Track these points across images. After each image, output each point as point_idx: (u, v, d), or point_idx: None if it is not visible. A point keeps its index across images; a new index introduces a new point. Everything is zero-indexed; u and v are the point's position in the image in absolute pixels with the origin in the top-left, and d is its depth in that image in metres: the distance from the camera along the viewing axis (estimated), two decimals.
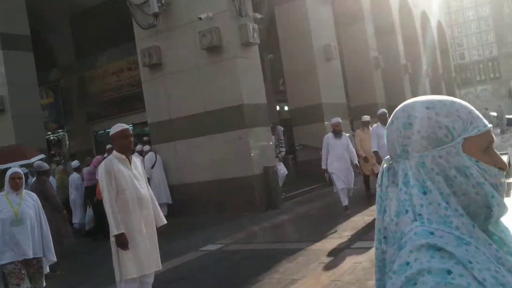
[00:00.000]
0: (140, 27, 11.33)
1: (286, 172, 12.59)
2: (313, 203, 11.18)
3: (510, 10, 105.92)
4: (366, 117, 10.95)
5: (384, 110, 9.27)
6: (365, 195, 10.66)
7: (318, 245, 6.76)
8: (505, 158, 10.13)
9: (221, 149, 10.85)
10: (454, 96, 32.92)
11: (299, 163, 14.77)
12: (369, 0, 18.66)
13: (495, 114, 31.15)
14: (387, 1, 20.88)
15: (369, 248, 6.16)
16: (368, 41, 18.04)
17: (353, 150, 9.23)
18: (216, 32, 10.41)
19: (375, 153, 8.83)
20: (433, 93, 25.52)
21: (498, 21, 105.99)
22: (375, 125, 9.20)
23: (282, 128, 13.27)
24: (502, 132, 28.91)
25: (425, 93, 24.54)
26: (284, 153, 13.29)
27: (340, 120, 9.21)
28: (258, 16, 11.01)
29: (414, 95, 21.45)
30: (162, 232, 4.57)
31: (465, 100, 1.06)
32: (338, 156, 8.79)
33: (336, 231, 7.58)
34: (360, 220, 8.24)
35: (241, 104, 10.46)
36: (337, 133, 8.94)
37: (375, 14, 19.44)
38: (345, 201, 9.00)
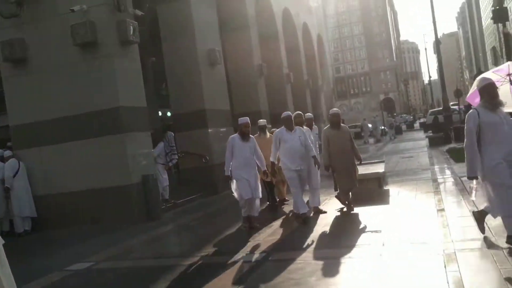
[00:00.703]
0: (0, 16, 9.97)
1: (167, 183, 11.88)
2: (196, 213, 10.63)
3: (379, 29, 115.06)
4: (262, 121, 9.90)
5: (289, 112, 8.12)
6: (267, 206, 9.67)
7: (198, 261, 6.23)
8: (381, 166, 10.45)
9: (95, 155, 9.88)
10: (333, 106, 34.62)
11: (182, 171, 14.16)
12: (254, 7, 18.68)
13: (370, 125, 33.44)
14: (271, 10, 21.15)
15: (250, 261, 5.79)
16: (252, 48, 18.01)
17: (262, 155, 7.90)
18: (90, 26, 9.47)
19: (272, 164, 7.86)
20: (313, 103, 26.44)
21: (369, 39, 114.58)
22: (277, 130, 8.10)
23: (173, 134, 12.56)
24: (377, 141, 30.87)
25: (305, 103, 25.35)
26: (176, 160, 12.48)
27: (248, 121, 7.79)
28: (139, 13, 10.27)
29: (295, 105, 21.95)
30: None
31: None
32: (244, 161, 7.59)
33: (218, 245, 7.09)
34: (246, 233, 7.86)
35: (117, 107, 9.60)
36: (245, 135, 7.64)
37: (260, 22, 19.56)
38: (252, 212, 7.80)
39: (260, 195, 7.93)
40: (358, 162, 8.44)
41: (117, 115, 9.67)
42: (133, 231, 8.84)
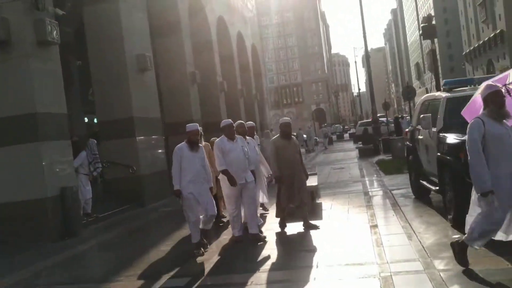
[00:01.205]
0: None
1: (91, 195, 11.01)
2: (120, 228, 9.92)
3: (312, 42, 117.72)
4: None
5: (230, 120, 7.32)
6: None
7: (118, 286, 5.63)
8: (314, 179, 10.25)
9: (7, 166, 8.95)
10: (266, 116, 34.62)
11: (107, 182, 13.27)
12: (187, 13, 18.15)
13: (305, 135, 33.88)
14: (205, 17, 20.69)
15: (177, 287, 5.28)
16: (185, 55, 17.43)
17: (209, 167, 7.13)
18: (3, 24, 8.60)
19: (224, 172, 6.87)
20: (247, 112, 26.19)
21: (302, 51, 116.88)
22: (217, 139, 7.22)
23: (95, 141, 11.78)
24: (309, 152, 31.14)
25: (239, 113, 25.06)
26: (100, 169, 11.60)
27: (198, 128, 6.96)
28: (59, 12, 9.48)
29: (229, 114, 21.57)
30: None
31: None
32: (194, 175, 6.63)
33: (143, 267, 6.49)
34: (177, 251, 7.31)
35: (33, 113, 8.76)
36: (194, 145, 6.69)
37: (193, 29, 19.04)
38: (196, 238, 6.77)
39: (215, 212, 7.10)
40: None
41: (32, 122, 8.81)
42: (46, 250, 8.02)
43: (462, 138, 6.06)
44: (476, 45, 75.11)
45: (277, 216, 7.69)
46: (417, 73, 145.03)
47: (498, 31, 63.82)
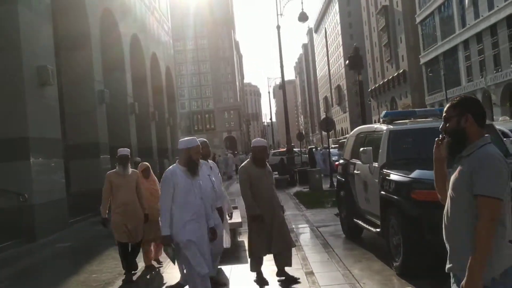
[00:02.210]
0: None
1: None
2: (6, 268, 8.22)
3: (225, 71, 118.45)
4: (125, 151, 7.02)
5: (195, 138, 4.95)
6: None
7: None
8: (237, 214, 9.26)
9: None
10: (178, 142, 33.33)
11: None
12: (98, 27, 16.70)
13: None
14: (119, 35, 19.30)
15: None
16: (93, 71, 15.91)
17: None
18: None
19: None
20: (158, 137, 24.76)
21: (215, 78, 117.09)
22: (169, 168, 4.85)
23: None
24: (229, 179, 30.12)
25: (150, 136, 23.62)
26: None
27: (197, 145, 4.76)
28: None
29: (139, 137, 20.08)
30: None
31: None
32: (194, 210, 4.59)
33: None
34: None
35: None
36: (195, 167, 4.69)
37: (104, 44, 17.60)
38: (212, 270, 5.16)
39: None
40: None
41: None
42: None
43: (412, 176, 5.42)
44: (381, 83, 79.34)
45: (252, 270, 5.94)
46: (325, 106, 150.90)
47: (401, 70, 67.83)
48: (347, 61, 14.70)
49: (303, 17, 25.64)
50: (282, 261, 5.84)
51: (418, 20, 58.26)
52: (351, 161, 7.84)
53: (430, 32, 55.44)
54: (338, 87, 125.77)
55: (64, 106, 15.19)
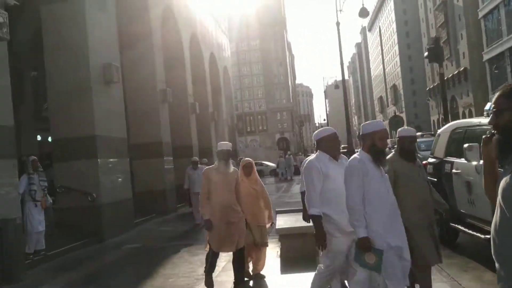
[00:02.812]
0: None
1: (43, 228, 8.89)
2: (75, 270, 7.99)
3: (278, 71, 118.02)
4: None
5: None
6: None
7: None
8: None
9: None
10: (237, 143, 32.85)
11: (60, 211, 11.15)
12: (159, 24, 16.53)
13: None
14: (179, 33, 19.10)
15: None
16: (156, 70, 15.75)
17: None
18: None
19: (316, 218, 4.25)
20: (217, 138, 24.52)
21: (268, 79, 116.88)
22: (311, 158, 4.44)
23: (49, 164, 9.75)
24: (285, 180, 29.48)
25: (210, 137, 23.40)
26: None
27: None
28: (11, 1, 7.68)
29: (199, 138, 19.84)
30: None
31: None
32: (388, 208, 3.84)
33: None
34: None
35: None
36: (378, 156, 3.89)
37: (166, 45, 17.41)
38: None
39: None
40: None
41: None
42: None
43: None
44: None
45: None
46: (380, 107, 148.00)
47: (461, 68, 65.00)
48: (426, 53, 13.74)
49: (363, 13, 24.76)
50: None
51: (480, 14, 55.48)
52: (445, 159, 7.05)
53: (495, 27, 52.66)
54: (394, 87, 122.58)
55: (127, 105, 15.09)
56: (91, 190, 10.72)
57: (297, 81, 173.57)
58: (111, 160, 11.69)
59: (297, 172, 29.71)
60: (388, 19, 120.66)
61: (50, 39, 11.21)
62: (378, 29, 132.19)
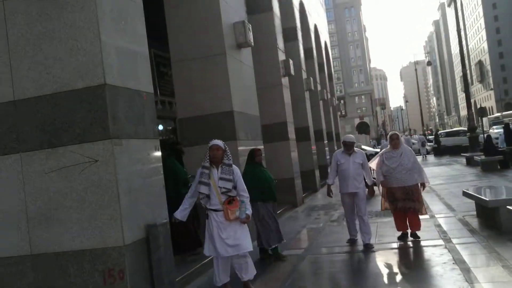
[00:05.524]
0: None
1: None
2: None
3: (355, 54, 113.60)
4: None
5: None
6: None
7: None
8: None
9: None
10: (338, 124, 30.24)
11: None
12: None
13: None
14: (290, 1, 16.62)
15: None
16: (276, 39, 13.35)
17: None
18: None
19: None
20: (325, 118, 21.91)
21: (345, 63, 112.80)
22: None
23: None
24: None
25: (319, 117, 20.88)
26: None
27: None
28: None
29: (314, 117, 17.26)
30: None
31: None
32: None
33: None
34: None
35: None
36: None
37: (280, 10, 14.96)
38: None
39: None
40: None
41: None
42: None
43: None
44: None
45: None
46: (463, 86, 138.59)
47: None
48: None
49: None
50: None
51: None
52: None
53: None
54: (480, 63, 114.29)
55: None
56: None
57: (371, 65, 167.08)
58: (248, 141, 9.42)
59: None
60: None
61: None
62: (460, 3, 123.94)
